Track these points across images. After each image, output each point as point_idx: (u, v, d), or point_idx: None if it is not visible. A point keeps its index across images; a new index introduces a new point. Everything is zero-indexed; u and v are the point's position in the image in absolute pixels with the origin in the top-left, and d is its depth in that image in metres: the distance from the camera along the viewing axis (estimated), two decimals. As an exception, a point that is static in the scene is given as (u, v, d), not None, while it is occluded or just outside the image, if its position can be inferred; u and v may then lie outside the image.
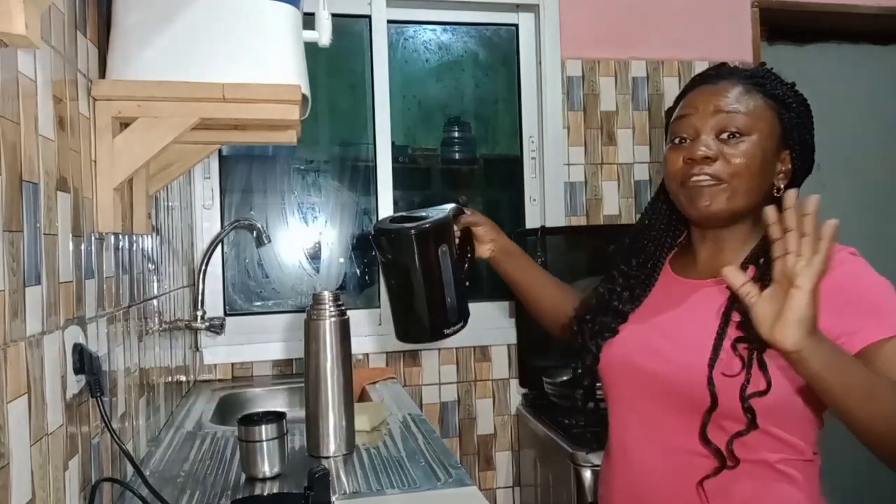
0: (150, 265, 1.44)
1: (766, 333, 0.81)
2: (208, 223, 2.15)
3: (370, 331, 2.23)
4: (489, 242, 1.24)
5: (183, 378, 1.87)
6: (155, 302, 1.49)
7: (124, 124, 1.11)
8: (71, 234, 0.94)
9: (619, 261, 1.13)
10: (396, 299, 1.26)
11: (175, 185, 1.73)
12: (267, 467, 1.20)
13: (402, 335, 1.30)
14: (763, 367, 0.91)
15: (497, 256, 1.26)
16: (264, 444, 1.19)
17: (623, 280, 1.11)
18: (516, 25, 2.40)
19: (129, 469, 1.15)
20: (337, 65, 2.33)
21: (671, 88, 2.41)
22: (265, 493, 1.14)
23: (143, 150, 1.09)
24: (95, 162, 1.07)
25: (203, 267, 2.00)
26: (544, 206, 2.33)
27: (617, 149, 2.37)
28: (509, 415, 2.27)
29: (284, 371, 2.15)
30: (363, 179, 2.33)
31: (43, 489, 0.80)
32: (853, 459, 2.67)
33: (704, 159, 0.97)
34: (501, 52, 2.44)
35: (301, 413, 1.41)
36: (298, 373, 2.07)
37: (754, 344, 0.91)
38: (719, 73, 1.04)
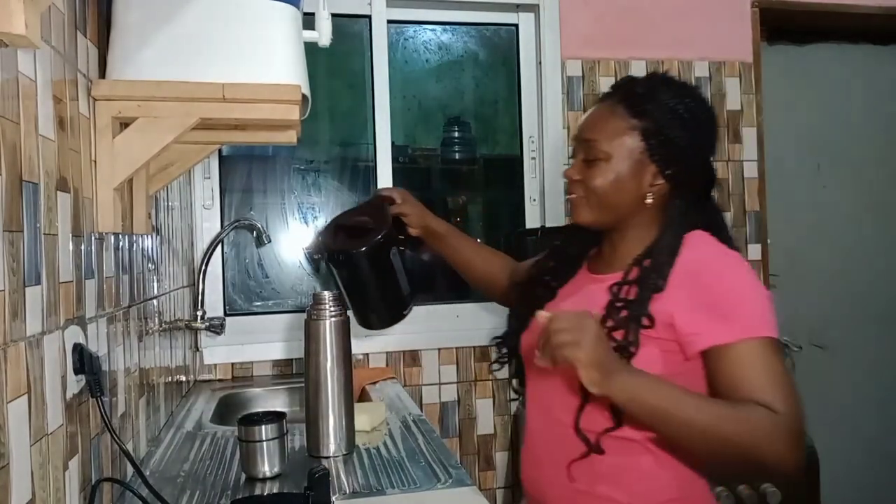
0: (150, 265, 1.44)
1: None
2: (208, 223, 2.15)
3: (370, 331, 2.23)
4: (416, 227, 1.41)
5: (183, 378, 1.87)
6: (155, 302, 1.49)
7: (124, 124, 1.11)
8: (71, 234, 0.94)
9: (558, 244, 1.31)
10: (356, 298, 1.42)
11: (175, 185, 1.73)
12: (267, 467, 1.20)
13: (365, 325, 1.51)
14: None
15: (424, 238, 1.42)
16: (264, 444, 1.19)
17: (557, 260, 1.28)
18: (516, 25, 2.40)
19: (129, 469, 1.15)
20: (337, 65, 2.33)
21: (671, 88, 2.41)
22: (265, 493, 1.14)
23: (143, 150, 1.09)
24: (95, 162, 1.07)
25: (203, 267, 2.00)
26: (544, 206, 2.33)
27: (617, 149, 2.37)
28: (509, 415, 2.27)
29: (284, 371, 2.15)
30: (363, 179, 2.33)
31: (43, 489, 0.80)
32: (853, 459, 2.68)
33: (571, 181, 1.16)
34: (501, 52, 2.44)
35: (301, 413, 1.41)
36: (298, 373, 2.06)
37: (622, 353, 1.03)
38: (611, 92, 1.17)
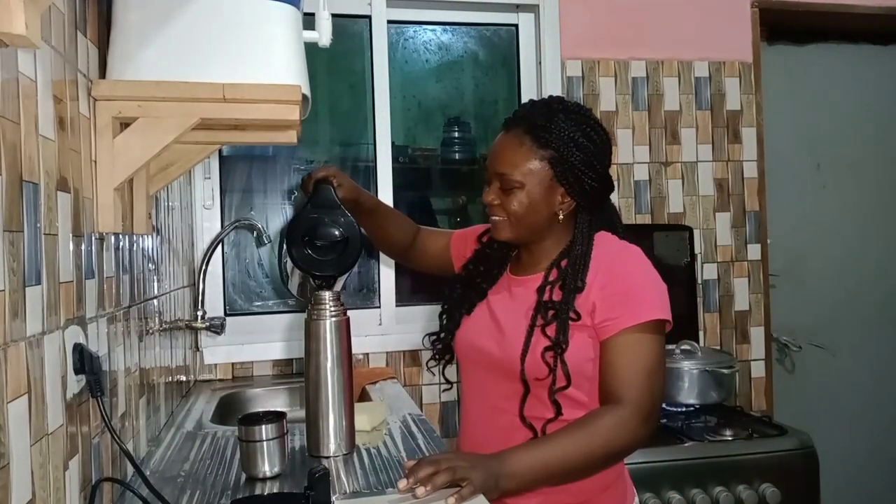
0: (150, 265, 1.44)
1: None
2: (208, 223, 2.15)
3: (370, 331, 2.23)
4: (350, 204, 1.43)
5: (183, 378, 1.87)
6: (155, 302, 1.49)
7: (124, 124, 1.11)
8: (71, 234, 0.94)
9: (481, 249, 1.42)
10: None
11: (175, 185, 1.73)
12: (267, 467, 1.20)
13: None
14: (565, 367, 1.19)
15: (352, 211, 1.44)
16: (264, 444, 1.19)
17: (484, 263, 1.39)
18: (516, 25, 2.40)
19: (130, 469, 1.15)
20: (337, 65, 2.33)
21: (671, 88, 2.42)
22: (265, 493, 1.14)
23: (143, 150, 1.09)
24: (95, 162, 1.07)
25: (203, 267, 2.00)
26: (544, 206, 2.33)
27: (616, 149, 2.37)
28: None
29: (284, 371, 2.15)
30: (363, 179, 2.33)
31: (43, 489, 0.80)
32: (853, 459, 2.67)
33: (490, 204, 1.29)
34: (501, 52, 2.44)
35: (301, 413, 1.41)
36: (298, 373, 2.07)
37: (556, 349, 1.19)
38: (515, 122, 1.28)
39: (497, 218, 1.29)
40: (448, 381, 1.45)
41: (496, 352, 1.27)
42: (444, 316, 1.42)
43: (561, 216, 1.27)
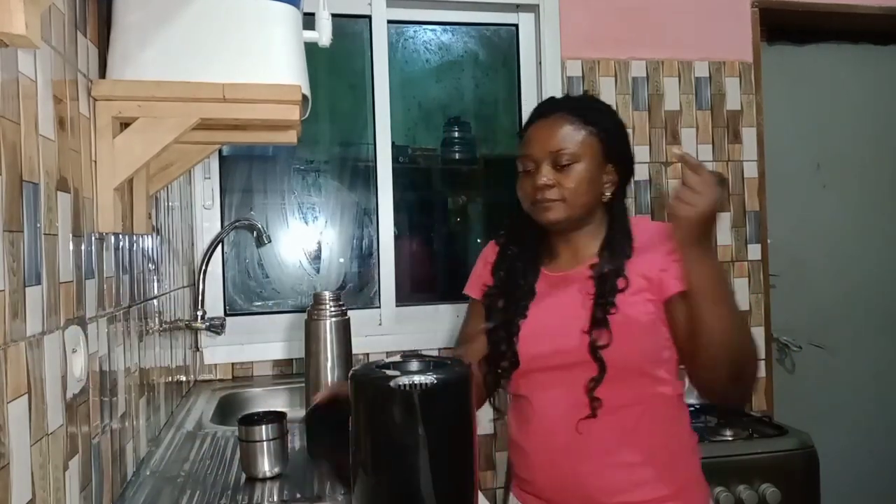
0: (150, 265, 1.44)
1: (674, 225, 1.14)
2: (208, 223, 2.15)
3: (370, 331, 2.23)
4: None
5: (183, 378, 1.87)
6: (155, 302, 1.49)
7: (124, 124, 1.11)
8: (71, 234, 0.94)
9: (511, 249, 1.38)
10: None
11: (175, 185, 1.73)
12: (267, 467, 1.20)
13: None
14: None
15: None
16: (264, 444, 1.19)
17: (520, 260, 1.36)
18: (516, 25, 2.40)
19: (130, 469, 1.15)
20: (337, 65, 2.33)
21: (671, 88, 2.42)
22: (264, 493, 1.14)
23: (143, 150, 1.09)
24: (95, 162, 1.07)
25: (203, 267, 2.00)
26: (544, 206, 2.33)
27: (617, 149, 2.37)
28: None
29: (284, 371, 2.15)
30: (363, 179, 2.33)
31: (43, 489, 0.80)
32: (853, 459, 2.67)
33: (545, 186, 1.26)
34: (501, 52, 2.44)
35: (301, 413, 1.41)
36: (298, 373, 2.06)
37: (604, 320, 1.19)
38: (550, 109, 1.32)
39: (550, 199, 1.27)
40: (497, 410, 1.43)
41: (559, 348, 1.23)
42: (502, 330, 1.31)
43: (607, 194, 1.29)
